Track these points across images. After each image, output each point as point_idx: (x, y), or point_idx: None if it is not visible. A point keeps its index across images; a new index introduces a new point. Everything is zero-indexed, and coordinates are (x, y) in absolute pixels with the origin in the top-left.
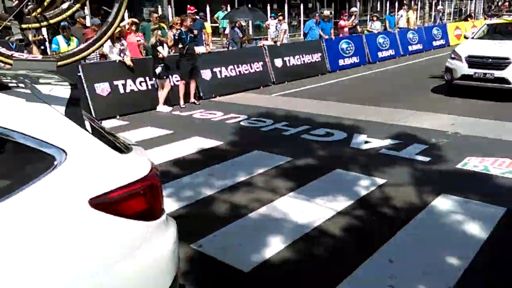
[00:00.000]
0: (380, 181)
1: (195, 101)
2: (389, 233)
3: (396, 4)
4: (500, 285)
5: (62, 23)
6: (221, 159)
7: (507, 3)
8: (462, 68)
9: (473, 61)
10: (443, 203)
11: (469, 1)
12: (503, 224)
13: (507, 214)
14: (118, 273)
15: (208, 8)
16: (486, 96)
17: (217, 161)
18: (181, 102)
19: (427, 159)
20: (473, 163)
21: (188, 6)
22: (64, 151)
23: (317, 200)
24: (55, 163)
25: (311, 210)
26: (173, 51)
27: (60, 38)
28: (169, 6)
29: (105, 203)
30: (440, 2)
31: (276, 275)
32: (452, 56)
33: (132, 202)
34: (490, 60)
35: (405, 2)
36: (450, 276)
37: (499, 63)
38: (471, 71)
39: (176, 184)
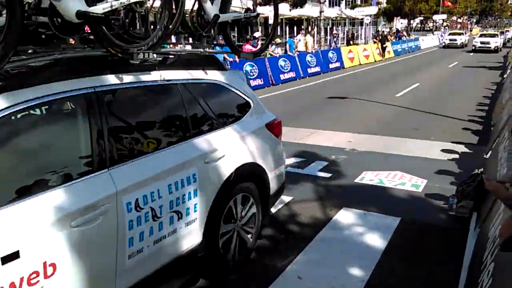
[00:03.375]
0: (287, 198)
1: None
2: (297, 250)
3: (295, 29)
4: None
5: None
6: None
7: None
8: None
9: None
10: (345, 216)
11: (359, 27)
12: (399, 233)
13: (402, 224)
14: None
15: None
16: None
17: None
18: None
19: (328, 175)
20: (369, 177)
21: None
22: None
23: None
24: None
25: None
26: None
27: None
28: None
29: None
30: (334, 28)
31: None
32: None
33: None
34: None
35: (303, 27)
36: None
37: None
38: None
39: None
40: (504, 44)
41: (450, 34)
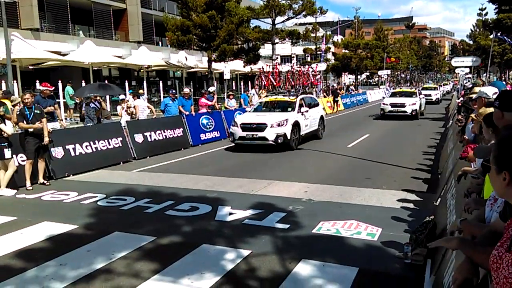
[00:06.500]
0: (245, 252)
1: (45, 182)
2: None
3: (249, 83)
4: None
5: None
6: (75, 246)
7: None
8: None
9: None
10: (303, 269)
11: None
12: (357, 284)
13: (360, 274)
14: None
15: (60, 84)
16: (335, 165)
17: (70, 248)
18: (28, 183)
19: (286, 226)
20: (326, 227)
21: (39, 82)
22: None
23: (184, 280)
24: None
25: None
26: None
27: None
28: (15, 81)
29: None
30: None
31: None
32: None
33: None
34: None
35: (256, 82)
36: None
37: None
38: None
39: (18, 280)
40: (438, 99)
41: (392, 95)
